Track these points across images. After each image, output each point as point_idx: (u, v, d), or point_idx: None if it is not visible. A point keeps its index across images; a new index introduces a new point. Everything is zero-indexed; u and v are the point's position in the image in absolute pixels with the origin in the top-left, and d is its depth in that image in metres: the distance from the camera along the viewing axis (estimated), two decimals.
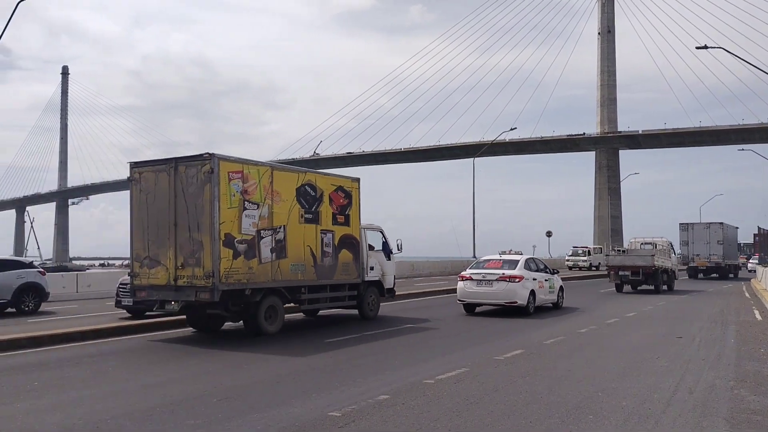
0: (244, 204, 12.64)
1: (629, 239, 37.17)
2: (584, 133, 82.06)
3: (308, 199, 14.34)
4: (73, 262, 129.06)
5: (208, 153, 12.22)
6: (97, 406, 7.42)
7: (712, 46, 27.13)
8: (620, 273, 27.56)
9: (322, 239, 14.61)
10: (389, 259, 17.57)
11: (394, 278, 17.96)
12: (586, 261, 50.45)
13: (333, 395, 7.83)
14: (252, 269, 12.71)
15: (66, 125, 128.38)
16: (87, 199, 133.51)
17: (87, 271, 41.40)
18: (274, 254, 13.22)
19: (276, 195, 13.38)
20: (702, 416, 6.99)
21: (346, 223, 15.51)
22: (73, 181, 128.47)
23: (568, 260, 51.36)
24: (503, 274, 17.38)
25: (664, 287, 28.07)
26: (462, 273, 18.29)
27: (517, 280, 17.35)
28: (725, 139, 75.08)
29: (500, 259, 18.48)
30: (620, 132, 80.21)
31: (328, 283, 14.90)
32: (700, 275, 41.21)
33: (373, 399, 7.58)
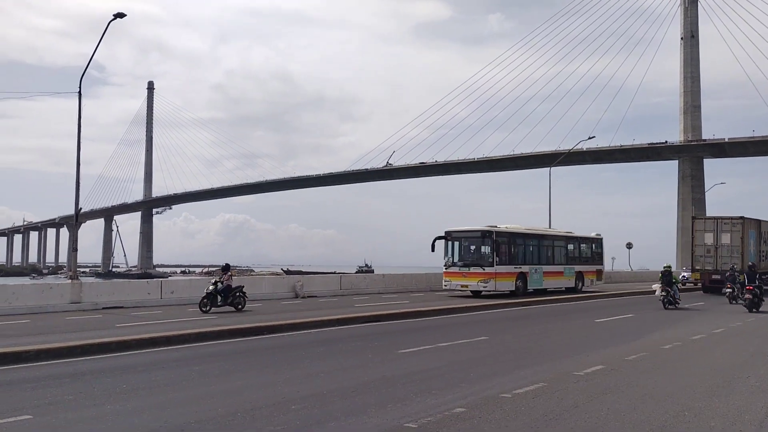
0: None
1: None
2: (666, 142, 79.44)
3: None
4: (157, 269, 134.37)
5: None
6: (182, 409, 7.68)
7: None
8: None
9: None
10: None
11: None
12: None
13: (408, 406, 7.83)
14: None
15: (151, 138, 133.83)
16: (170, 208, 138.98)
17: (170, 278, 42.86)
18: None
19: None
20: None
21: None
22: (157, 191, 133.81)
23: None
24: None
25: None
26: None
27: None
28: None
29: None
30: (705, 140, 77.14)
31: None
32: None
33: (449, 411, 7.55)
